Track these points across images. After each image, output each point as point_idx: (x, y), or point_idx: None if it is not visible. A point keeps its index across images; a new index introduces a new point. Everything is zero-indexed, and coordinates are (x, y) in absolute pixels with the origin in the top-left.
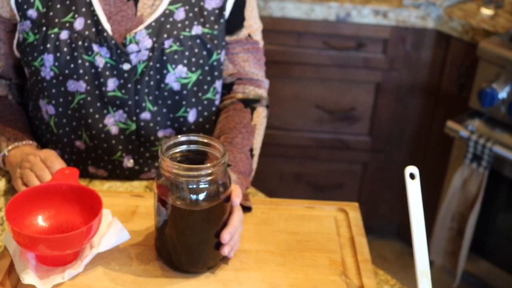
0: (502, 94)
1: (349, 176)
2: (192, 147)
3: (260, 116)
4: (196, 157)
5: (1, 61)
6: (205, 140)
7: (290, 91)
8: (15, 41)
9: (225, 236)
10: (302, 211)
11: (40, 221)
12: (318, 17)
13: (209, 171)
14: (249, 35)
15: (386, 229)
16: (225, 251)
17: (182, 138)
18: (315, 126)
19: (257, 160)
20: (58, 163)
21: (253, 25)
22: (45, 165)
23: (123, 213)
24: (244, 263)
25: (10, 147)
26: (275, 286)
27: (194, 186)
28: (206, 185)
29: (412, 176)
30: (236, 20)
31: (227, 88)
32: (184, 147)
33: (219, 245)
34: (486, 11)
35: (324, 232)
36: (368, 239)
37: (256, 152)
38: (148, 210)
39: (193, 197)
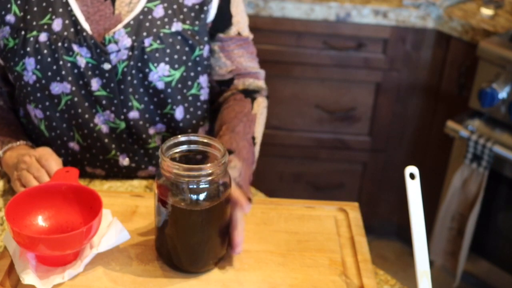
0: (502, 94)
1: (349, 176)
2: (192, 147)
3: (261, 105)
4: (196, 157)
5: None
6: (205, 140)
7: (290, 91)
8: None
9: (238, 239)
10: (302, 211)
11: (40, 221)
12: (318, 17)
13: (210, 171)
14: (239, 33)
15: (386, 229)
16: (239, 250)
17: (182, 138)
18: (315, 126)
19: (258, 149)
20: (53, 161)
21: (240, 21)
22: (40, 164)
23: (123, 213)
24: (244, 263)
25: (4, 149)
26: (275, 286)
27: (195, 186)
28: (207, 185)
29: (412, 176)
30: (224, 18)
31: (227, 84)
32: (184, 147)
33: (221, 244)
34: (486, 11)
35: (324, 232)
36: (368, 239)
37: (258, 140)
38: (148, 210)
39: (194, 197)
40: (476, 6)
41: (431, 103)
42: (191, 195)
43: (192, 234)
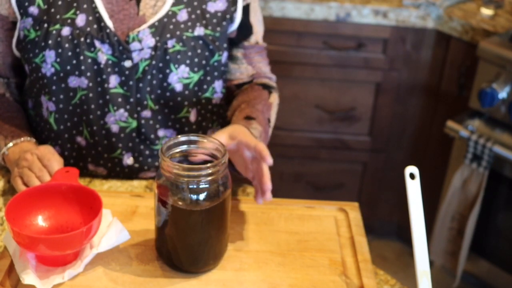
0: (502, 94)
1: (349, 176)
2: (192, 147)
3: (276, 99)
4: (202, 157)
5: None
6: (205, 140)
7: (290, 91)
8: (14, 40)
9: (267, 185)
10: (302, 211)
11: (40, 221)
12: (318, 17)
13: (210, 171)
14: (257, 42)
15: (386, 229)
16: (269, 196)
17: (182, 138)
18: (315, 126)
19: (271, 133)
20: (55, 161)
21: (258, 31)
22: (42, 164)
23: (123, 213)
24: (244, 263)
25: (9, 145)
26: (275, 286)
27: (195, 186)
28: (207, 185)
29: (412, 176)
30: (246, 28)
31: (245, 84)
32: (184, 147)
33: (221, 244)
34: (486, 11)
35: (324, 232)
36: (368, 239)
37: (271, 124)
38: (148, 210)
39: (194, 197)
40: (476, 6)
41: (431, 103)
42: (191, 195)
43: (192, 234)
